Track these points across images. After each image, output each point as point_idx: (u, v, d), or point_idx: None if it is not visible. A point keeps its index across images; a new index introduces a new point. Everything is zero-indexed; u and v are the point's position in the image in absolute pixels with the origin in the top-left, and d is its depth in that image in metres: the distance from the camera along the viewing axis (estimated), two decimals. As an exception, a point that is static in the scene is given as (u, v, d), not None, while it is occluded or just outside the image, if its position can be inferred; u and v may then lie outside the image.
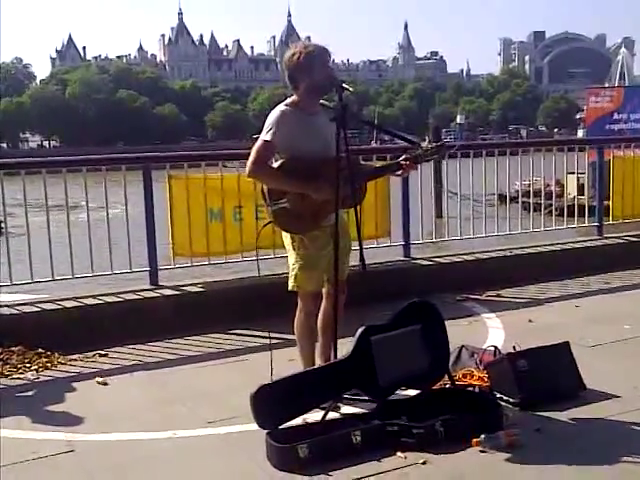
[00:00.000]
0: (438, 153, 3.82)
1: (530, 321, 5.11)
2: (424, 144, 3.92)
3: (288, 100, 3.70)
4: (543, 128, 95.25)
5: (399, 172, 3.91)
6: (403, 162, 3.79)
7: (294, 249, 3.71)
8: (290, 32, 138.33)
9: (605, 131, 20.57)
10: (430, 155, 3.80)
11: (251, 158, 3.59)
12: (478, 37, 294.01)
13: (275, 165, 3.61)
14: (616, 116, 21.46)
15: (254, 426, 3.20)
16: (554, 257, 6.66)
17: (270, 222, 3.71)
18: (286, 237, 3.76)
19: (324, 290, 3.76)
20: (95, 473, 3.13)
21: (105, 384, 4.16)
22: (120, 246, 5.50)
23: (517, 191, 8.67)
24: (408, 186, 6.10)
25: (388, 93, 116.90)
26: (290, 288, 3.77)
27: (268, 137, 3.56)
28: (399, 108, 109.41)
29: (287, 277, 3.79)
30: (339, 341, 3.52)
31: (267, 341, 4.72)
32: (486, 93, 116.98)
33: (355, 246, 3.73)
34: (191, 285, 5.43)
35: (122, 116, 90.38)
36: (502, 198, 7.21)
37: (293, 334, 3.86)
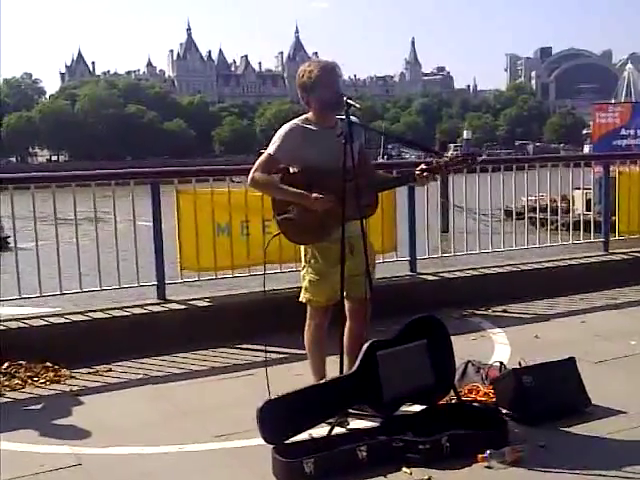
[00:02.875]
0: (465, 163, 3.71)
1: (536, 337, 5.11)
2: (448, 153, 3.80)
3: (302, 116, 3.77)
4: (540, 144, 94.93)
5: (416, 182, 3.77)
6: (419, 172, 3.70)
7: (306, 260, 3.75)
8: (298, 48, 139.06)
9: (612, 147, 20.59)
10: (455, 165, 3.67)
11: (253, 168, 3.69)
12: (485, 53, 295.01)
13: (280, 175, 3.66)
14: (623, 132, 21.49)
15: (260, 441, 3.20)
16: (560, 272, 6.65)
17: (278, 234, 3.75)
18: (301, 249, 3.81)
19: (347, 308, 3.69)
20: (102, 487, 3.14)
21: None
22: (131, 260, 5.51)
23: (523, 206, 8.68)
24: (414, 201, 6.12)
25: (395, 108, 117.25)
26: (300, 299, 3.80)
27: (271, 150, 3.65)
28: (406, 123, 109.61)
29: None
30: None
31: (274, 356, 4.76)
32: (493, 109, 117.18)
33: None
34: (198, 299, 5.45)
35: (131, 131, 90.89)
36: (508, 213, 7.22)
37: (300, 349, 3.87)
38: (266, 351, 4.00)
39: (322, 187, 3.57)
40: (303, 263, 3.78)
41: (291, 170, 3.68)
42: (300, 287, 3.85)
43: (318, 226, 3.61)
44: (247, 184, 3.79)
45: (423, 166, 3.70)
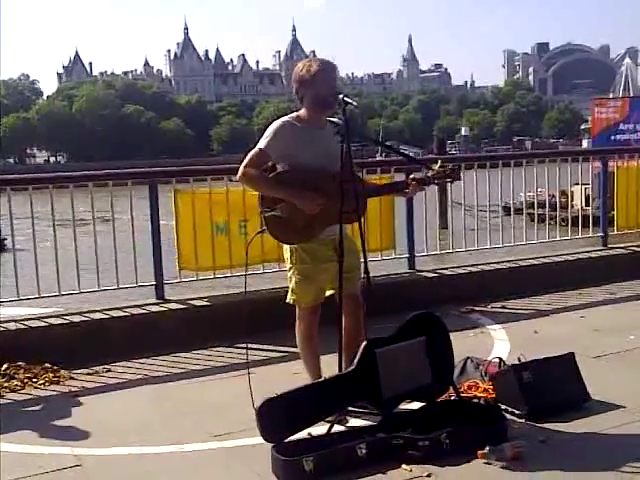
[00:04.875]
0: (451, 177, 3.81)
1: (535, 332, 5.11)
2: (436, 166, 3.82)
3: (294, 114, 3.75)
4: (538, 140, 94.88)
5: (404, 192, 3.92)
6: (410, 182, 3.79)
7: (292, 262, 3.74)
8: (295, 46, 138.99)
9: (611, 142, 20.61)
10: (441, 178, 3.78)
11: (243, 162, 3.65)
12: (482, 49, 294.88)
13: (273, 174, 3.63)
14: (622, 126, 21.51)
15: (260, 439, 3.21)
16: (559, 268, 6.65)
17: (262, 230, 3.72)
18: (285, 250, 3.79)
19: (344, 307, 3.67)
20: (102, 487, 3.14)
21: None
22: (129, 260, 5.50)
23: (522, 202, 8.68)
24: (412, 197, 6.10)
25: (393, 106, 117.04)
26: (288, 300, 3.81)
27: (262, 145, 3.62)
28: (404, 120, 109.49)
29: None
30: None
31: (273, 354, 4.76)
32: (490, 105, 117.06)
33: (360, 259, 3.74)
34: (197, 299, 5.45)
35: (128, 131, 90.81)
36: (507, 209, 7.21)
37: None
38: (247, 348, 4.05)
39: (313, 187, 3.56)
40: (289, 264, 3.77)
41: (278, 167, 3.64)
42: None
43: (305, 226, 3.60)
44: (237, 178, 3.74)
45: (413, 175, 3.82)
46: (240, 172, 3.66)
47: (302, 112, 3.71)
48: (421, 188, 3.84)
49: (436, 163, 3.85)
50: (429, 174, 3.79)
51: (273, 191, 3.60)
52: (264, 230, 3.69)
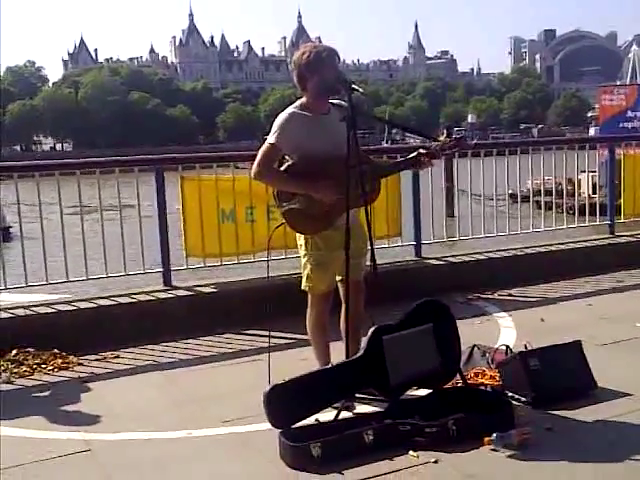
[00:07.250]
0: (457, 147, 3.79)
1: (542, 320, 5.11)
2: (442, 137, 3.85)
3: (297, 102, 3.72)
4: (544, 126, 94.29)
5: (415, 167, 3.89)
6: (420, 156, 3.77)
7: (307, 249, 3.74)
8: (301, 33, 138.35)
9: (619, 129, 20.49)
10: (449, 149, 3.76)
11: (256, 160, 3.64)
12: (488, 36, 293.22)
13: (284, 167, 3.63)
14: (630, 114, 21.39)
15: (267, 425, 3.23)
16: (566, 256, 6.64)
17: (282, 224, 3.74)
18: (299, 237, 3.79)
19: (342, 292, 3.67)
20: (112, 472, 3.17)
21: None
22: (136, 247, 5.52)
23: (529, 190, 8.66)
24: (419, 185, 6.11)
25: (399, 93, 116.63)
26: (303, 287, 3.81)
27: (272, 140, 3.60)
28: (410, 108, 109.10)
29: (299, 277, 3.83)
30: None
31: (280, 341, 4.78)
32: (497, 92, 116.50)
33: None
34: (204, 286, 5.46)
35: (134, 118, 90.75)
36: (514, 197, 7.20)
37: (306, 334, 3.88)
38: (270, 336, 4.03)
39: (324, 175, 3.56)
40: (304, 251, 3.77)
41: (287, 159, 3.62)
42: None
43: (323, 215, 3.60)
44: (251, 176, 3.74)
45: (421, 150, 3.76)
46: (254, 170, 3.65)
47: (305, 99, 3.69)
48: (430, 162, 3.79)
49: (442, 135, 3.88)
50: (437, 146, 3.76)
51: (289, 186, 3.60)
52: (283, 223, 3.70)
